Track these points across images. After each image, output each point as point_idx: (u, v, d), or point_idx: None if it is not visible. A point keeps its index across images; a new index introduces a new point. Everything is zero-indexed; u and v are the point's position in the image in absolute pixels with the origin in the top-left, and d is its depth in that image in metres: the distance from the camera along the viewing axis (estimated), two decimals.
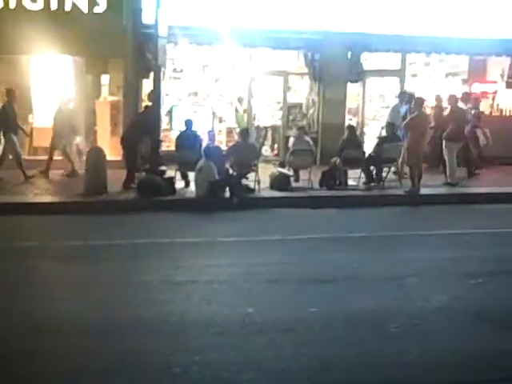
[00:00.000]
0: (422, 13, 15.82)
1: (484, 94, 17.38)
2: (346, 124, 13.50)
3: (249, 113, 16.41)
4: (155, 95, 12.56)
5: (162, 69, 13.42)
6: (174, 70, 16.54)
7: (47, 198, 11.94)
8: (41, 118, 15.34)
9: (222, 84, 16.91)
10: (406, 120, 12.99)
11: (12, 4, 14.32)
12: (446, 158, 13.48)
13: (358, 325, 6.01)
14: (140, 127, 12.40)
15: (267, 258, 8.31)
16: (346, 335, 5.81)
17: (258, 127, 16.63)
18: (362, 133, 16.55)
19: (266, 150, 16.42)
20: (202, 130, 13.90)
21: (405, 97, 14.36)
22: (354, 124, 13.64)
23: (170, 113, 15.35)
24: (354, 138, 13.45)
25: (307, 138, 13.48)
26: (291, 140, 13.45)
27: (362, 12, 15.57)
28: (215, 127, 15.58)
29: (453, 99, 13.87)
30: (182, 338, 5.66)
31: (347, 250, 8.77)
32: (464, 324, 6.13)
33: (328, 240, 9.43)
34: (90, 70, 15.29)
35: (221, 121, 16.62)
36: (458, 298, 6.79)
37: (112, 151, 14.03)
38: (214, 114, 15.77)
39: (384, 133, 13.76)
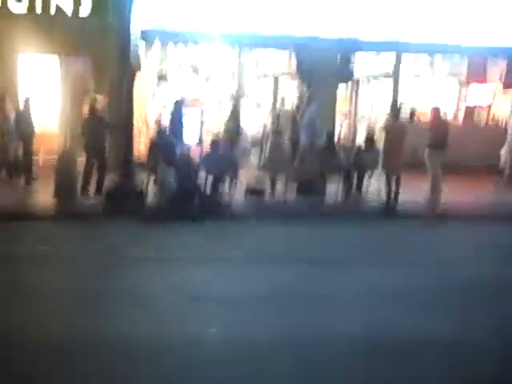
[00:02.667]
0: (414, 15, 15.51)
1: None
2: (325, 131, 13.20)
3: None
4: (127, 96, 12.44)
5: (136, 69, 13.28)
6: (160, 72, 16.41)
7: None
8: None
9: (211, 86, 16.73)
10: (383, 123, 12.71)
11: None
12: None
13: None
14: (98, 125, 12.32)
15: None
16: None
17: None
18: (355, 135, 16.28)
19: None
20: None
21: None
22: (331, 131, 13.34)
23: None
24: (331, 146, 13.15)
25: (284, 144, 13.21)
26: (268, 145, 13.16)
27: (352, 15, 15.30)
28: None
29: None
30: None
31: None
32: None
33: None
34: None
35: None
36: None
37: None
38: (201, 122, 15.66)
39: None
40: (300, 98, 16.28)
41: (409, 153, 12.69)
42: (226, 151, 12.85)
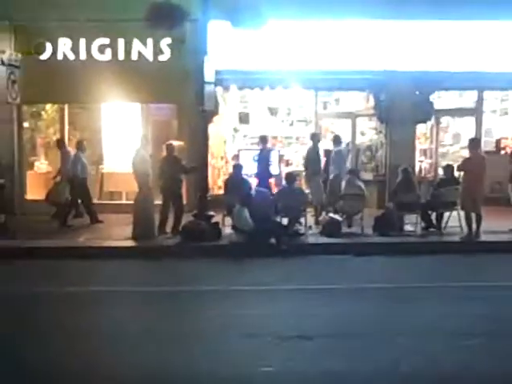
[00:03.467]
0: (495, 48, 15.19)
1: None
2: (401, 167, 13.03)
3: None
4: (201, 138, 12.73)
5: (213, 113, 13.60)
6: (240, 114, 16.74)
7: (96, 242, 12.25)
8: (111, 163, 15.94)
9: (289, 127, 16.90)
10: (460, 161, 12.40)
11: (82, 55, 15.04)
12: None
13: None
14: (175, 168, 12.59)
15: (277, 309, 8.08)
16: None
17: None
18: (437, 174, 15.94)
19: None
20: (269, 173, 14.01)
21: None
22: (408, 167, 13.11)
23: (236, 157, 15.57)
24: (409, 182, 12.93)
25: (359, 182, 13.10)
26: (342, 184, 13.12)
27: (430, 49, 15.15)
28: (282, 170, 15.54)
29: None
30: None
31: (362, 302, 8.36)
32: None
33: (349, 291, 9.04)
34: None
35: (287, 164, 16.52)
36: (431, 360, 6.24)
37: None
38: (280, 156, 15.81)
39: (442, 175, 13.16)
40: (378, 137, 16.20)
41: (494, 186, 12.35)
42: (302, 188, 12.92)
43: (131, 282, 9.66)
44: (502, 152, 15.97)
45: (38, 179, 15.79)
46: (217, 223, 12.41)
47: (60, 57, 14.99)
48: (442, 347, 6.63)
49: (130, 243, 11.98)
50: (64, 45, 14.93)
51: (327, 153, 14.74)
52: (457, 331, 7.11)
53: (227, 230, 12.45)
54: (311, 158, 13.86)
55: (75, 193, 13.84)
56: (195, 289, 9.08)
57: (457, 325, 7.34)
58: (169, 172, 12.55)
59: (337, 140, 14.44)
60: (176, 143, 14.86)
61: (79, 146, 14.10)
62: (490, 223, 12.49)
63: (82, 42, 14.91)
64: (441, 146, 16.79)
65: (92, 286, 9.25)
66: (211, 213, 12.53)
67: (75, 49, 14.92)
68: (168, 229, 12.54)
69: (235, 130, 16.63)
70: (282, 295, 8.89)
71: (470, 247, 11.70)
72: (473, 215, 12.02)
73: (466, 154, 13.35)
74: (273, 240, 11.70)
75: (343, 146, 14.67)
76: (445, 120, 17.17)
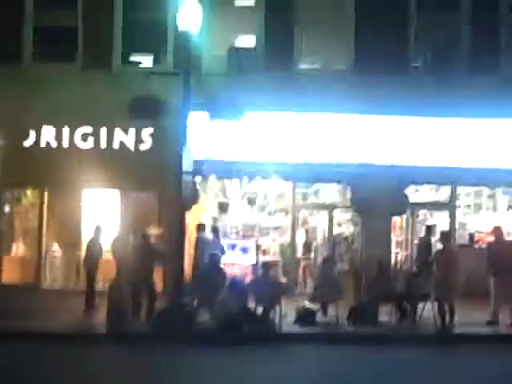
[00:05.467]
0: (470, 144, 15.68)
1: None
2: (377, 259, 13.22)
3: (293, 245, 16.42)
4: (179, 226, 12.87)
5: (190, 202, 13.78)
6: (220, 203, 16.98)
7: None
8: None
9: (268, 216, 17.15)
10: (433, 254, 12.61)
11: (65, 143, 15.37)
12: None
13: None
14: (150, 257, 12.71)
15: None
16: None
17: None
18: (411, 264, 16.10)
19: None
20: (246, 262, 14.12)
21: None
22: (384, 259, 13.34)
23: None
24: (384, 273, 13.06)
25: (335, 271, 13.21)
26: (317, 272, 13.26)
27: (405, 144, 15.61)
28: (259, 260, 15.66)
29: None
30: None
31: None
32: None
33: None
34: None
35: (264, 253, 16.66)
36: None
37: None
38: (258, 246, 15.97)
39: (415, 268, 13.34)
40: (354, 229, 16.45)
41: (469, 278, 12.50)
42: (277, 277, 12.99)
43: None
44: (476, 246, 16.22)
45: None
46: (190, 311, 12.37)
47: (43, 144, 15.30)
48: None
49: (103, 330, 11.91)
50: (47, 132, 15.26)
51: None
52: None
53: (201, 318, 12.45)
54: None
55: None
56: None
57: None
58: (142, 260, 12.64)
59: (201, 228, 14.88)
60: (154, 231, 15.08)
61: None
62: (465, 315, 12.57)
63: (66, 129, 15.24)
64: (416, 239, 16.98)
65: None
66: (185, 301, 12.53)
67: (58, 137, 15.25)
68: (142, 316, 12.48)
69: (214, 220, 16.80)
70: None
71: (444, 339, 11.74)
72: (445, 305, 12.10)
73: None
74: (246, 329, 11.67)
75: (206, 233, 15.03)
76: (421, 213, 17.46)
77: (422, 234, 15.72)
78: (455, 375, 9.32)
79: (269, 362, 9.97)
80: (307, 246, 16.95)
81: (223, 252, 14.55)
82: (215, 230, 15.29)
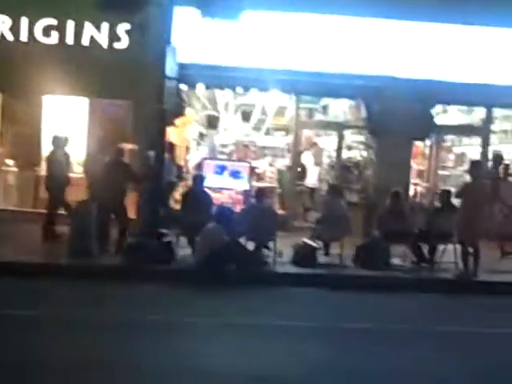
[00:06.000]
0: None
1: None
2: (392, 190, 13.19)
3: (293, 171, 16.42)
4: (159, 142, 12.79)
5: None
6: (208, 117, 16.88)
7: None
8: None
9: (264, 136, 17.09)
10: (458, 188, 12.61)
11: (23, 37, 15.10)
12: None
13: None
14: (122, 176, 12.69)
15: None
16: None
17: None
18: (434, 201, 16.14)
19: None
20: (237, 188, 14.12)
21: None
22: (400, 191, 13.28)
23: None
24: (399, 208, 13.08)
25: (342, 203, 13.22)
26: (321, 203, 13.28)
27: (435, 55, 15.40)
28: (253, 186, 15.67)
29: None
30: None
31: (326, 345, 8.43)
32: None
33: (315, 331, 9.09)
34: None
35: (259, 178, 16.67)
36: None
37: None
38: (252, 169, 15.95)
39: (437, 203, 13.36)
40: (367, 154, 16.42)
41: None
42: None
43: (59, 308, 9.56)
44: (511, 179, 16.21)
45: None
46: (169, 243, 12.43)
47: None
48: None
49: (63, 261, 11.95)
50: (2, 23, 14.95)
51: None
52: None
53: (181, 252, 12.51)
54: None
55: None
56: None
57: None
58: (113, 180, 12.59)
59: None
60: (129, 146, 14.98)
61: None
62: (492, 261, 12.71)
63: (24, 21, 14.94)
64: (441, 169, 16.99)
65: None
66: (164, 230, 12.58)
67: (15, 29, 14.94)
68: (110, 246, 12.54)
69: (201, 136, 16.73)
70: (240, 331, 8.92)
71: (464, 287, 11.87)
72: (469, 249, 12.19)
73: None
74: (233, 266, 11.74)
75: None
76: (448, 139, 17.42)
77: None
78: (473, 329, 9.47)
79: (255, 310, 9.98)
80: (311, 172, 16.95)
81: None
82: None
